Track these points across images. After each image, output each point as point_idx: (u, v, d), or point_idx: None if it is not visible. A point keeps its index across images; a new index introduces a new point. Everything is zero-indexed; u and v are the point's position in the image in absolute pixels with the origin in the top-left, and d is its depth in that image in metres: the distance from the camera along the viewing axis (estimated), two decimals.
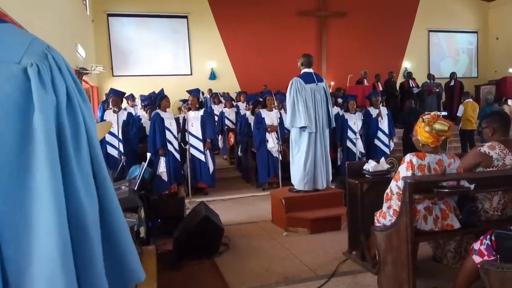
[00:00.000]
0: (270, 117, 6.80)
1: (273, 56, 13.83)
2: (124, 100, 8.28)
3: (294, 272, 3.35)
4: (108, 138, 5.90)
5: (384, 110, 7.42)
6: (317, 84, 4.82)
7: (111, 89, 6.73)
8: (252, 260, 3.65)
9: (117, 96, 6.27)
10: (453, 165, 2.71)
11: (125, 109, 7.43)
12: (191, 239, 3.65)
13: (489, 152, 2.90)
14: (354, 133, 7.05)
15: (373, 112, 7.35)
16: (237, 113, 9.11)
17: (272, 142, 6.67)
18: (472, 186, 2.67)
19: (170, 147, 6.20)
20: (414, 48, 16.08)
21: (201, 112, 6.56)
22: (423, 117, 2.74)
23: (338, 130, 7.22)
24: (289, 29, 14.24)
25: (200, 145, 6.41)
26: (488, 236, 2.36)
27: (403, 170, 2.66)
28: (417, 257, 3.08)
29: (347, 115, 7.23)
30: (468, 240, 2.99)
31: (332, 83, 14.19)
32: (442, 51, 16.76)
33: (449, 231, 2.69)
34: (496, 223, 2.75)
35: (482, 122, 3.16)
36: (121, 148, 5.91)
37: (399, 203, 2.66)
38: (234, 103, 10.09)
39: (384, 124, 7.28)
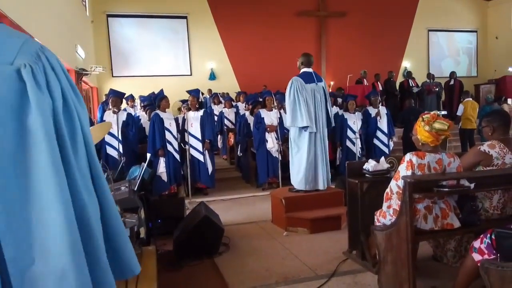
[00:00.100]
0: (269, 117, 6.80)
1: (272, 56, 13.83)
2: (124, 101, 8.28)
3: (294, 272, 3.35)
4: (108, 138, 5.89)
5: (383, 110, 7.42)
6: (317, 84, 4.82)
7: (111, 89, 6.73)
8: (252, 260, 3.65)
9: (116, 97, 6.27)
10: (453, 164, 2.71)
11: (124, 109, 7.43)
12: (191, 239, 3.65)
13: (489, 151, 2.89)
14: (354, 132, 7.05)
15: (372, 111, 7.35)
16: (237, 113, 9.10)
17: (271, 142, 6.67)
18: (472, 185, 2.67)
19: (169, 147, 6.20)
20: (413, 48, 16.09)
21: (201, 112, 6.56)
22: (423, 116, 2.74)
23: (338, 130, 7.22)
24: (288, 29, 14.24)
25: (199, 146, 6.41)
26: (488, 235, 2.36)
27: (403, 170, 2.66)
28: (417, 256, 3.07)
29: (347, 115, 7.23)
30: (468, 239, 2.99)
31: (332, 83, 14.21)
32: (441, 51, 16.77)
33: (449, 230, 2.69)
34: (496, 222, 2.75)
35: (482, 121, 3.16)
36: (121, 149, 5.91)
37: (399, 202, 2.66)
38: (234, 103, 10.09)
39: (383, 123, 7.28)
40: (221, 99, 10.57)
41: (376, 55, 14.68)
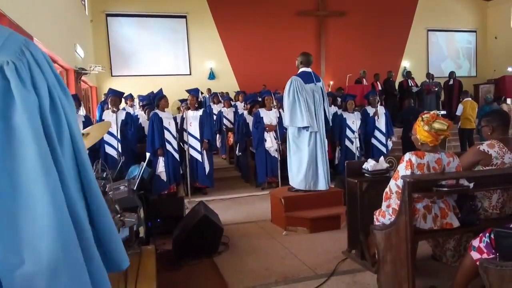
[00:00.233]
0: (268, 116, 6.80)
1: (272, 56, 13.84)
2: (123, 100, 8.28)
3: (293, 271, 3.35)
4: (107, 138, 5.88)
5: (381, 109, 7.42)
6: (315, 84, 4.80)
7: (110, 89, 6.72)
8: (252, 260, 3.65)
9: (115, 96, 6.26)
10: (452, 163, 2.71)
11: (123, 109, 7.42)
12: (190, 239, 3.65)
13: (488, 151, 2.90)
14: (353, 132, 7.06)
15: (371, 111, 7.36)
16: (236, 112, 9.10)
17: (270, 142, 6.67)
18: (471, 185, 2.68)
19: (169, 147, 6.19)
20: (413, 48, 16.11)
21: (200, 112, 6.56)
22: (422, 116, 2.74)
23: (337, 130, 7.23)
24: (288, 28, 14.25)
25: (197, 145, 6.41)
26: (487, 234, 2.36)
27: (402, 169, 2.66)
28: (417, 256, 3.08)
29: (346, 115, 7.23)
30: (467, 238, 2.99)
31: (331, 83, 14.22)
32: (441, 51, 16.78)
33: (448, 230, 2.69)
34: (495, 222, 2.75)
35: (482, 121, 3.16)
36: (120, 148, 5.90)
37: (398, 202, 2.66)
38: (233, 103, 10.09)
39: (381, 123, 7.29)
40: (220, 98, 10.57)
41: (376, 55, 14.69)
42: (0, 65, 0.73)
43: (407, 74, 12.69)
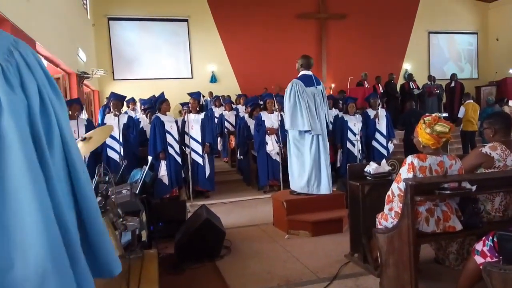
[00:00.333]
0: (270, 119, 6.80)
1: (273, 59, 13.85)
2: (125, 104, 8.29)
3: (296, 275, 3.34)
4: (109, 141, 5.90)
5: (382, 112, 7.42)
6: (316, 87, 4.78)
7: (112, 93, 6.74)
8: (254, 263, 3.65)
9: (117, 100, 6.27)
10: (455, 166, 2.71)
11: (125, 112, 7.44)
12: (192, 243, 3.64)
13: (490, 153, 2.89)
14: (354, 134, 7.05)
15: (372, 113, 7.36)
16: (237, 115, 9.11)
17: (271, 145, 6.67)
18: (474, 188, 2.67)
19: (171, 150, 6.21)
20: (414, 50, 16.10)
21: (202, 115, 6.57)
22: (424, 118, 2.74)
23: (338, 132, 7.23)
24: (289, 31, 14.27)
25: (199, 148, 6.42)
26: (490, 238, 2.35)
27: (405, 172, 2.65)
28: (419, 259, 3.07)
29: (347, 117, 7.23)
30: (470, 241, 2.98)
31: (333, 85, 14.22)
32: (442, 53, 16.77)
33: (451, 233, 2.68)
34: (498, 224, 2.75)
35: (484, 123, 3.16)
36: (122, 152, 5.91)
37: (401, 205, 2.65)
38: (234, 106, 10.10)
39: (382, 125, 7.28)
40: (222, 101, 10.59)
41: (377, 58, 14.70)
42: None
43: (409, 77, 12.69)
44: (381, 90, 11.67)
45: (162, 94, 7.53)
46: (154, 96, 9.08)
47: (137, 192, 3.27)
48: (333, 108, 7.91)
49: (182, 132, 6.41)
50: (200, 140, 6.42)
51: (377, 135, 7.29)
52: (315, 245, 4.08)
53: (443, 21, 16.29)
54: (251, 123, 7.29)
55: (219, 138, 8.98)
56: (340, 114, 7.55)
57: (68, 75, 8.74)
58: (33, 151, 0.75)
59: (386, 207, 2.85)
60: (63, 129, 0.83)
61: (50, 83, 0.84)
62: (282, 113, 6.86)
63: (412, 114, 7.84)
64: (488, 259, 2.31)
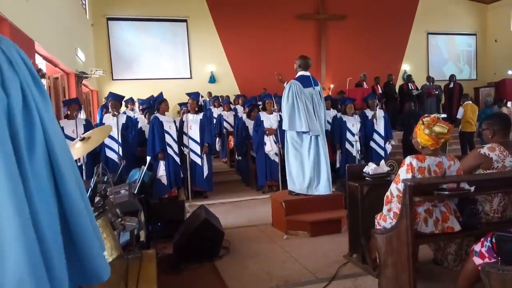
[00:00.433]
0: (269, 120, 6.81)
1: (272, 59, 13.85)
2: (123, 104, 8.28)
3: (294, 275, 3.34)
4: (108, 141, 5.89)
5: (380, 113, 7.43)
6: (314, 88, 4.78)
7: (110, 93, 6.73)
8: (253, 264, 3.64)
9: (116, 100, 6.26)
10: (453, 167, 2.71)
11: (124, 112, 7.43)
12: (191, 243, 3.64)
13: (489, 154, 2.90)
14: (353, 135, 7.06)
15: (370, 114, 7.37)
16: (235, 116, 9.12)
17: (269, 146, 6.67)
18: (472, 188, 2.67)
19: (169, 150, 6.20)
20: (413, 51, 16.13)
21: (200, 115, 6.57)
22: (423, 119, 2.74)
23: (337, 133, 7.23)
24: (288, 32, 14.28)
25: (197, 149, 6.41)
26: (489, 238, 2.36)
27: (403, 173, 2.66)
28: (418, 260, 3.07)
29: (345, 118, 7.24)
30: (469, 242, 2.99)
31: (332, 86, 14.23)
32: (441, 54, 16.80)
33: (449, 234, 2.69)
34: (496, 225, 2.75)
35: (483, 124, 3.16)
36: (121, 152, 5.90)
37: (400, 205, 2.66)
38: (232, 106, 10.10)
39: (380, 126, 7.30)
40: (221, 102, 10.59)
41: (376, 58, 14.71)
42: None
43: (408, 78, 12.70)
44: (380, 91, 11.69)
45: (161, 94, 7.53)
46: (152, 96, 9.08)
47: (135, 192, 3.26)
48: (331, 109, 7.91)
49: (180, 132, 6.41)
50: (198, 141, 6.41)
51: (375, 136, 7.30)
52: (314, 245, 4.08)
53: (442, 22, 16.32)
54: (249, 123, 7.29)
55: (217, 139, 8.98)
56: (339, 114, 7.56)
57: (66, 75, 8.73)
58: (11, 153, 0.72)
59: (385, 208, 2.86)
60: (47, 128, 0.81)
61: (35, 81, 0.81)
62: (280, 113, 6.87)
63: (411, 115, 7.85)
64: (487, 260, 2.31)
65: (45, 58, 7.01)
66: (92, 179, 1.97)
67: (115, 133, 5.83)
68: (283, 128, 4.92)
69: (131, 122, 6.41)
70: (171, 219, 4.34)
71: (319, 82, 5.09)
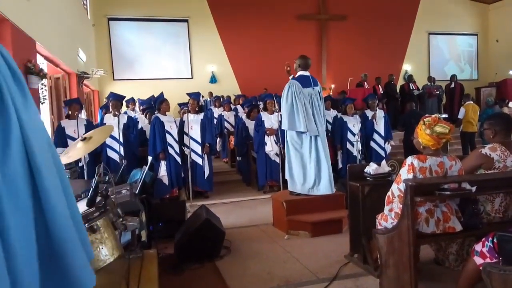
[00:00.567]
0: (270, 120, 6.80)
1: (273, 60, 13.82)
2: (124, 104, 8.29)
3: (295, 275, 3.34)
4: (109, 141, 5.90)
5: (380, 113, 7.43)
6: (313, 88, 4.78)
7: (111, 93, 6.74)
8: (254, 264, 3.64)
9: (116, 100, 6.27)
10: (455, 167, 2.71)
11: (125, 112, 7.44)
12: (192, 243, 3.64)
13: (490, 154, 2.89)
14: (354, 135, 7.06)
15: (370, 114, 7.38)
16: (236, 116, 9.12)
17: (270, 146, 6.67)
18: (474, 188, 2.67)
19: (171, 150, 6.21)
20: (414, 51, 16.12)
21: (201, 115, 6.57)
22: (424, 119, 2.74)
23: (338, 133, 7.23)
24: (289, 32, 14.27)
25: (198, 149, 6.41)
26: (490, 238, 2.35)
27: (405, 173, 2.65)
28: (419, 260, 3.07)
29: (346, 118, 7.23)
30: (470, 242, 2.98)
31: (333, 86, 14.22)
32: (442, 54, 16.79)
33: (451, 234, 2.68)
34: (498, 225, 2.75)
35: (484, 124, 3.16)
36: (122, 152, 5.91)
37: (401, 205, 2.65)
38: (233, 106, 10.11)
39: (380, 126, 7.30)
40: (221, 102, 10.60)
41: (377, 58, 14.70)
42: None
43: (409, 78, 12.69)
44: (381, 91, 11.68)
45: (161, 94, 7.53)
46: (153, 96, 9.09)
47: (136, 192, 3.27)
48: (331, 109, 7.91)
49: (181, 132, 6.41)
50: (199, 141, 6.42)
51: (375, 136, 7.31)
52: (315, 245, 4.07)
53: (443, 23, 16.31)
54: (249, 123, 7.30)
55: (218, 139, 8.98)
56: (339, 115, 7.56)
57: (68, 75, 8.74)
58: None
59: (386, 208, 2.85)
60: (26, 128, 0.76)
61: (16, 79, 0.77)
62: (281, 113, 6.87)
63: (412, 115, 7.84)
64: (488, 260, 2.31)
65: (46, 58, 7.02)
66: (94, 179, 1.98)
67: (116, 133, 5.84)
68: (282, 127, 4.93)
69: (132, 122, 6.42)
70: (172, 219, 4.34)
71: (320, 82, 5.08)
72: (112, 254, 1.77)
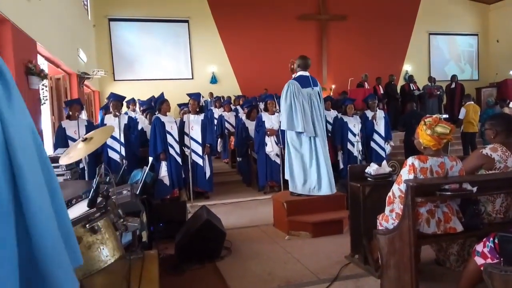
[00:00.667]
0: (270, 120, 6.80)
1: (273, 60, 13.86)
2: (125, 105, 8.29)
3: (296, 276, 3.34)
4: (110, 142, 5.90)
5: (380, 113, 7.43)
6: (313, 88, 4.77)
7: (111, 93, 6.74)
8: (254, 264, 3.64)
9: (117, 101, 6.27)
10: (455, 167, 2.71)
11: (126, 113, 7.44)
12: (193, 243, 3.64)
13: (491, 154, 2.89)
14: (354, 135, 7.06)
15: (370, 115, 7.38)
16: (236, 116, 9.13)
17: (270, 146, 6.67)
18: (475, 189, 2.66)
19: (171, 151, 6.21)
20: (414, 51, 16.12)
21: (202, 116, 6.57)
22: (425, 120, 2.74)
23: (338, 133, 7.23)
24: (289, 32, 14.28)
25: (199, 149, 6.41)
26: (491, 239, 2.35)
27: (405, 173, 2.65)
28: (420, 260, 3.07)
29: (346, 118, 7.23)
30: (471, 243, 2.98)
31: (333, 86, 14.22)
32: (443, 54, 16.78)
33: (451, 234, 2.68)
34: (499, 226, 2.74)
35: (486, 124, 3.16)
36: (123, 152, 5.91)
37: (402, 206, 2.65)
38: (233, 107, 10.11)
39: (380, 127, 7.30)
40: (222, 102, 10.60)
41: (377, 59, 14.70)
42: None
43: (409, 78, 12.69)
44: (382, 91, 11.68)
45: (162, 94, 7.53)
46: (153, 96, 9.09)
47: (137, 192, 3.27)
48: (331, 110, 7.91)
49: (181, 133, 6.41)
50: (200, 141, 6.42)
51: (375, 136, 7.31)
52: (316, 246, 4.07)
53: (444, 23, 16.31)
54: (249, 124, 7.30)
55: (219, 139, 8.99)
56: (339, 115, 7.56)
57: (68, 76, 8.75)
58: None
59: (387, 208, 2.85)
60: (9, 128, 0.73)
61: (2, 80, 0.74)
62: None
63: (413, 116, 7.84)
64: (489, 260, 2.31)
65: (47, 58, 7.03)
66: (95, 179, 1.98)
67: (117, 133, 5.84)
68: (281, 128, 4.92)
69: (133, 123, 6.43)
70: (172, 219, 4.34)
71: (320, 82, 5.08)
72: (113, 255, 1.77)
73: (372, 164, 3.45)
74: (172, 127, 6.27)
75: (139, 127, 6.83)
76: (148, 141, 6.33)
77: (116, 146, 5.94)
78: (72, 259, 0.90)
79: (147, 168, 3.60)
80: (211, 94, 12.73)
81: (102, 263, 1.72)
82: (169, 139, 6.21)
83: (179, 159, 6.28)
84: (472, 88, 13.70)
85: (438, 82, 12.67)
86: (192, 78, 14.00)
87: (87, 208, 1.86)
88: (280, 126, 6.59)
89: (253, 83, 13.47)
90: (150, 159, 4.19)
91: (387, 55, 15.23)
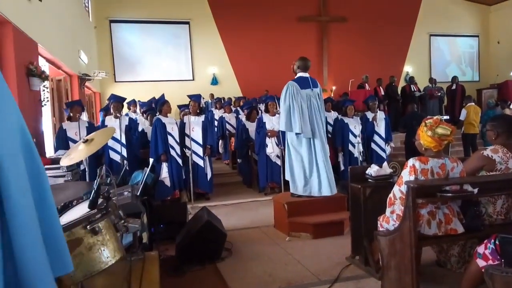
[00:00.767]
0: (271, 122, 6.80)
1: (274, 62, 13.87)
2: (126, 106, 8.30)
3: (297, 277, 3.34)
4: (111, 143, 5.90)
5: (381, 115, 7.43)
6: (312, 89, 4.77)
7: (112, 95, 6.75)
8: (255, 265, 3.64)
9: (118, 102, 6.28)
10: (456, 169, 2.70)
11: (126, 114, 7.45)
12: (193, 245, 3.64)
13: (492, 156, 2.89)
14: (355, 136, 7.05)
15: (370, 116, 7.38)
16: (237, 118, 9.14)
17: (271, 147, 6.67)
18: (476, 190, 2.66)
19: (172, 152, 6.21)
20: (415, 52, 16.12)
21: (202, 117, 6.57)
22: (426, 121, 2.74)
23: (339, 135, 7.22)
24: (290, 34, 14.30)
25: (200, 150, 6.42)
26: (492, 240, 2.35)
27: (406, 175, 2.65)
28: (421, 262, 3.06)
29: (346, 120, 7.23)
30: (472, 244, 2.98)
31: (334, 88, 14.23)
32: (443, 55, 16.78)
33: (452, 236, 2.68)
34: (500, 227, 2.74)
35: (487, 125, 3.16)
36: (124, 153, 5.91)
37: (402, 207, 2.65)
38: (233, 108, 10.12)
39: (380, 128, 7.30)
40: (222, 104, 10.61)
41: (378, 60, 14.71)
42: None
43: (410, 79, 12.69)
44: (382, 93, 11.68)
45: (163, 96, 7.53)
46: (154, 98, 9.10)
47: (138, 194, 3.27)
48: (332, 111, 7.91)
49: (181, 134, 6.41)
50: (201, 142, 6.42)
51: (376, 138, 7.31)
52: (316, 247, 4.07)
53: (444, 24, 16.32)
54: (249, 125, 7.31)
55: (220, 141, 8.99)
56: (340, 116, 7.56)
57: (69, 77, 8.76)
58: None
59: (388, 210, 2.85)
60: None
61: None
62: None
63: (413, 117, 7.84)
64: (490, 262, 2.31)
65: (48, 60, 7.04)
66: (96, 181, 1.98)
67: (117, 134, 5.85)
68: (280, 128, 4.92)
69: (133, 124, 6.43)
70: (173, 221, 4.34)
71: (321, 84, 5.08)
72: (113, 256, 1.77)
73: (372, 165, 3.45)
74: (173, 129, 6.27)
75: (140, 129, 6.84)
76: (149, 142, 6.34)
77: (117, 147, 5.94)
78: (61, 267, 0.87)
79: (148, 169, 3.60)
80: (211, 95, 12.74)
81: (102, 264, 1.72)
82: (170, 141, 6.21)
83: (179, 161, 6.28)
84: (473, 89, 13.70)
85: (438, 84, 12.66)
86: (193, 80, 14.02)
87: (88, 209, 1.86)
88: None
89: (254, 85, 13.48)
90: (151, 160, 4.20)
91: (388, 56, 15.23)
